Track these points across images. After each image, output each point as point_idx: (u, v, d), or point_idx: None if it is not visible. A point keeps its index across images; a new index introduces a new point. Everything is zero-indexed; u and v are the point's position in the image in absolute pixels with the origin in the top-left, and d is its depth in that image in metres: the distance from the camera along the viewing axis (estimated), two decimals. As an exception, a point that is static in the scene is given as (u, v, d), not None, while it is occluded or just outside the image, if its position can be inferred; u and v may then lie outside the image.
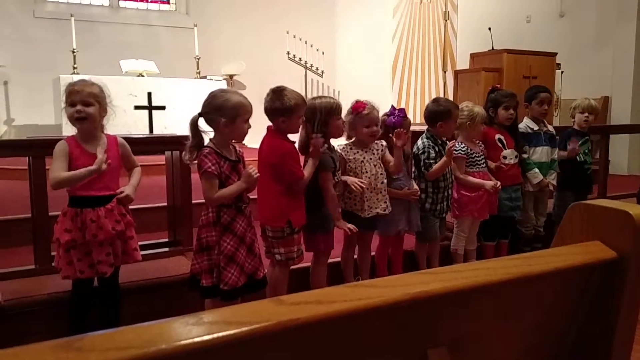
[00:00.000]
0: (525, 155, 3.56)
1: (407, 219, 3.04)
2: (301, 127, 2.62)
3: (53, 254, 2.45)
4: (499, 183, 3.24)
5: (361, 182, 2.74)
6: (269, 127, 2.54)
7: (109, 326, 2.08)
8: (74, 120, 2.23)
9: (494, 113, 3.46)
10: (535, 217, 3.70)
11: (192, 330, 0.62)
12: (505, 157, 3.43)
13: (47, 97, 6.58)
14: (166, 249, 3.11)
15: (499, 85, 3.71)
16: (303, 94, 7.69)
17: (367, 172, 2.81)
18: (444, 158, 3.08)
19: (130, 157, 2.44)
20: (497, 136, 3.45)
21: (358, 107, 2.78)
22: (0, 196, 4.08)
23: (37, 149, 2.66)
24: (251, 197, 2.44)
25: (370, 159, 2.84)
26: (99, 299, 2.39)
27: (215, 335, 0.62)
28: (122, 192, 2.31)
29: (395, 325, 0.81)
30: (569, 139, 3.75)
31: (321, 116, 2.60)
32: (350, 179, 2.75)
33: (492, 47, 6.35)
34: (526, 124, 3.66)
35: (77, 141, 2.27)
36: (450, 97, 6.47)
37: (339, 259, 2.98)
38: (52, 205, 2.69)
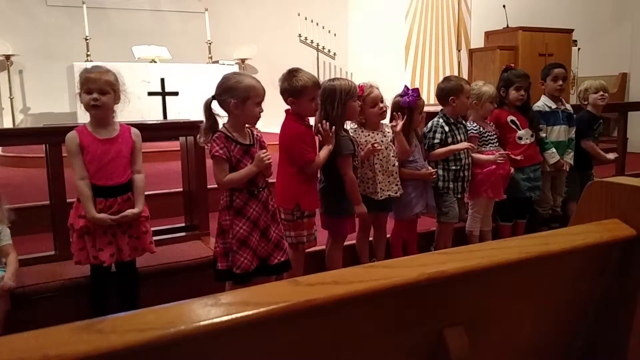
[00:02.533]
0: (543, 135, 3.51)
1: (424, 201, 3.02)
2: (321, 108, 2.61)
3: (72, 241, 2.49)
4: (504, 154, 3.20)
5: (373, 145, 2.73)
6: (286, 110, 2.54)
7: (128, 310, 2.11)
8: (89, 107, 2.26)
9: (505, 93, 3.41)
10: (553, 197, 3.66)
11: (210, 311, 0.63)
12: (520, 138, 3.39)
13: (62, 85, 6.62)
14: (183, 234, 3.14)
15: (512, 65, 3.64)
16: (316, 76, 7.58)
17: (378, 154, 2.80)
18: (452, 146, 3.06)
19: (138, 152, 2.41)
20: (510, 118, 3.40)
21: (359, 90, 2.77)
22: (18, 184, 4.14)
23: (53, 136, 2.68)
24: (270, 181, 2.43)
25: (382, 141, 2.82)
26: (117, 284, 2.43)
27: (233, 316, 0.63)
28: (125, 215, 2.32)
29: (412, 305, 0.81)
30: (589, 125, 3.69)
31: (341, 97, 2.59)
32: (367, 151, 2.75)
33: (507, 25, 6.24)
34: (544, 102, 3.61)
35: (88, 129, 2.30)
36: (465, 77, 6.39)
37: (353, 242, 2.99)
38: (70, 192, 2.73)
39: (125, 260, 2.38)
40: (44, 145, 2.75)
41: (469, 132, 3.20)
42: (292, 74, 2.47)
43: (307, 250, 2.69)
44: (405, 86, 2.99)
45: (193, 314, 0.62)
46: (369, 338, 0.79)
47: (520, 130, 3.40)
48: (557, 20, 6.53)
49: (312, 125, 2.58)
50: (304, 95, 2.46)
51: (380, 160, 2.81)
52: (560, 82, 3.57)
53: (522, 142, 3.40)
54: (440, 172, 3.11)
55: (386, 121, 2.95)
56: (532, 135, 3.43)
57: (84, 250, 2.30)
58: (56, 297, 2.47)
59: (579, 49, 6.60)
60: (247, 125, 2.35)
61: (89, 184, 2.27)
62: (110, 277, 2.39)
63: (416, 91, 2.95)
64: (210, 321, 0.62)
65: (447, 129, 3.09)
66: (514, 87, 3.38)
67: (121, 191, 2.32)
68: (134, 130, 2.41)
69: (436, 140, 3.07)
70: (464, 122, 3.22)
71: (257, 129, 2.44)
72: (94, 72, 2.27)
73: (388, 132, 2.87)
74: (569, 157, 3.60)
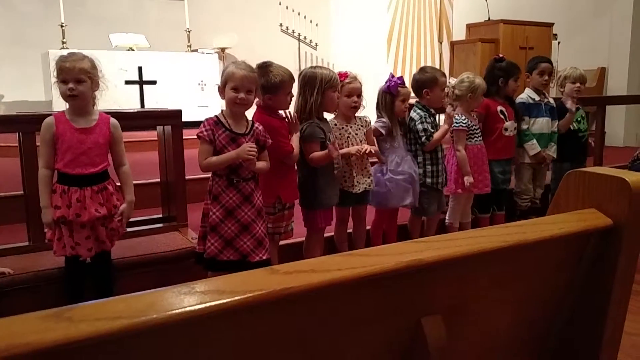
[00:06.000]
0: (525, 127, 3.54)
1: (412, 194, 3.02)
2: (299, 94, 2.63)
3: (46, 230, 2.44)
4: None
5: (358, 148, 2.71)
6: (257, 103, 2.52)
7: (104, 300, 2.08)
8: (66, 97, 2.21)
9: (504, 84, 3.42)
10: (533, 189, 3.71)
11: (184, 299, 0.62)
12: (506, 129, 3.41)
13: (37, 73, 6.47)
14: (160, 225, 3.10)
15: (503, 55, 3.63)
16: (297, 67, 7.50)
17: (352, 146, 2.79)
18: (444, 126, 3.06)
19: (120, 144, 2.36)
20: (499, 108, 3.42)
21: (340, 76, 2.75)
22: (-8, 173, 4.04)
23: (26, 124, 2.61)
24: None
25: (356, 134, 2.81)
26: (92, 275, 2.39)
27: (207, 305, 0.61)
28: (120, 213, 2.33)
29: (390, 294, 0.80)
30: (563, 110, 3.73)
31: (321, 84, 2.59)
32: (352, 149, 2.72)
33: (489, 18, 6.28)
34: (527, 94, 3.64)
35: (66, 117, 2.25)
36: (447, 69, 6.43)
37: (332, 234, 2.98)
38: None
39: (107, 249, 2.35)
40: (17, 134, 2.68)
41: (457, 125, 3.18)
42: (266, 69, 2.44)
43: (285, 242, 2.69)
44: (391, 73, 2.99)
45: (166, 303, 0.61)
46: (347, 327, 0.79)
47: (507, 121, 3.42)
48: (538, 13, 6.61)
49: (284, 117, 2.57)
50: (282, 90, 2.46)
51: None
52: (546, 77, 3.61)
53: (507, 134, 3.42)
54: (429, 167, 3.10)
55: (364, 113, 2.92)
56: (514, 128, 3.46)
57: (61, 240, 2.25)
58: (30, 288, 2.41)
59: (559, 42, 6.68)
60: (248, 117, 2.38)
61: (51, 175, 2.25)
62: (85, 268, 2.35)
63: (400, 79, 2.95)
64: (183, 309, 0.60)
65: (430, 119, 3.10)
66: (514, 78, 3.41)
67: (95, 181, 2.27)
68: (112, 120, 2.35)
69: (432, 129, 3.07)
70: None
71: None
72: (68, 60, 2.21)
73: (361, 125, 2.85)
74: (552, 150, 3.63)
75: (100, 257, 2.35)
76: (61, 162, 2.22)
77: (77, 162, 2.22)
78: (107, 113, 2.41)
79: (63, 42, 6.39)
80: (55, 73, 2.23)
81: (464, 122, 3.21)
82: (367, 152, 2.70)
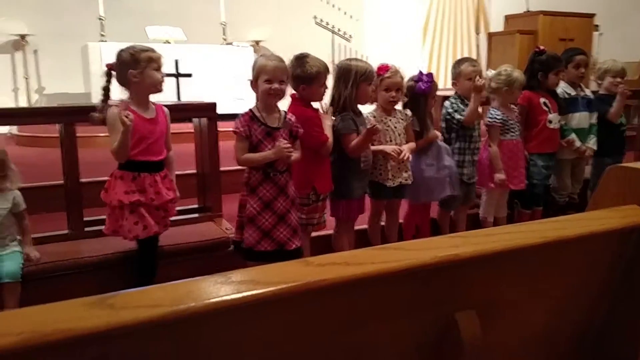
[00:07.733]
0: (562, 122, 3.45)
1: (450, 184, 2.98)
2: (334, 87, 2.64)
3: (100, 217, 2.54)
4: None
5: (396, 149, 2.71)
6: (292, 95, 2.53)
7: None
8: (159, 85, 2.34)
9: (544, 77, 3.33)
10: (571, 184, 3.61)
11: (220, 289, 0.63)
12: (550, 122, 3.32)
13: (76, 65, 6.64)
14: (196, 215, 3.15)
15: (544, 48, 3.51)
16: (330, 59, 7.46)
17: (391, 140, 2.77)
18: (473, 103, 3.01)
19: (169, 130, 2.51)
20: (542, 100, 3.33)
21: (380, 70, 2.73)
22: (33, 163, 4.18)
23: (68, 116, 2.69)
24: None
25: (396, 127, 2.79)
26: (139, 259, 2.48)
27: (243, 294, 0.62)
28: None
29: (424, 288, 0.80)
30: (603, 104, 3.61)
31: (356, 77, 2.59)
32: (388, 148, 2.72)
33: (528, 9, 6.13)
34: (563, 88, 3.52)
35: (131, 107, 2.31)
36: (484, 61, 6.32)
37: (365, 227, 2.97)
38: (85, 172, 2.75)
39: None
40: (58, 125, 2.75)
41: (491, 121, 3.12)
42: (302, 60, 2.46)
43: (315, 234, 2.70)
44: (420, 71, 2.94)
45: (203, 292, 0.62)
46: (380, 320, 0.79)
47: (551, 113, 3.34)
48: (579, 4, 6.40)
49: (317, 109, 2.57)
50: (316, 81, 2.47)
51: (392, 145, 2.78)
52: (582, 70, 3.50)
53: (552, 126, 3.33)
54: (457, 157, 3.06)
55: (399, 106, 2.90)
56: (559, 121, 3.37)
57: (138, 224, 2.34)
58: (71, 275, 2.49)
59: (600, 34, 6.47)
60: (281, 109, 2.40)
61: None
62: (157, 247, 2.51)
63: (430, 76, 2.90)
64: (219, 299, 0.61)
65: (462, 107, 3.07)
66: (555, 71, 3.32)
67: (161, 167, 2.42)
68: (165, 109, 2.49)
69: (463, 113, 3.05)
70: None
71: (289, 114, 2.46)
72: (150, 50, 2.33)
73: (402, 119, 2.83)
74: (592, 143, 3.52)
75: (151, 241, 2.45)
76: (135, 149, 2.30)
77: (149, 151, 2.34)
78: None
79: (102, 35, 6.53)
80: (138, 62, 2.28)
81: (498, 117, 3.14)
82: (405, 158, 2.71)
